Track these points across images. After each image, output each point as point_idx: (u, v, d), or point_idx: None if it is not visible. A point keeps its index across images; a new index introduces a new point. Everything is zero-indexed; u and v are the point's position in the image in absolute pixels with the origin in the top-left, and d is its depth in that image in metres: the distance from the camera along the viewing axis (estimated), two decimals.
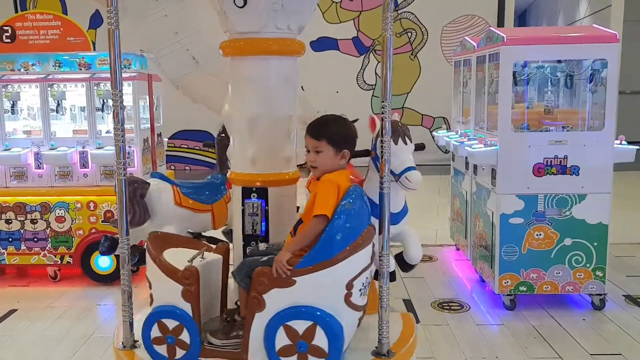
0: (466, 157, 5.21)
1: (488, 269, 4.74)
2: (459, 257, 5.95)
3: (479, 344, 4.14)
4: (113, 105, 2.78)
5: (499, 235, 4.50)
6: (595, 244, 4.47)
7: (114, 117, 2.78)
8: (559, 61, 4.74)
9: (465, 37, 5.75)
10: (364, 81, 12.20)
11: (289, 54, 3.08)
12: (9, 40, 5.57)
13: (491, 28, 4.81)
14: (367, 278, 2.69)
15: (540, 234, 4.48)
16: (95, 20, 11.65)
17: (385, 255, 2.65)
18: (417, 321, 4.39)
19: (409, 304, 4.75)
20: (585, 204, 4.42)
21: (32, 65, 5.45)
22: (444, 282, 5.32)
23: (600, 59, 4.41)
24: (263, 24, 2.95)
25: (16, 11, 11.60)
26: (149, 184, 3.47)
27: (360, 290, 2.63)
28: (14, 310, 4.80)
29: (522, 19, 18.56)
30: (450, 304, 4.79)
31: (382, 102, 2.65)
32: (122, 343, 2.94)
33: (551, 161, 4.41)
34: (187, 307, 2.69)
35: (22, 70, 5.44)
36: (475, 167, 5.06)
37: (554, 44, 4.43)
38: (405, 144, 2.92)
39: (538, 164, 4.42)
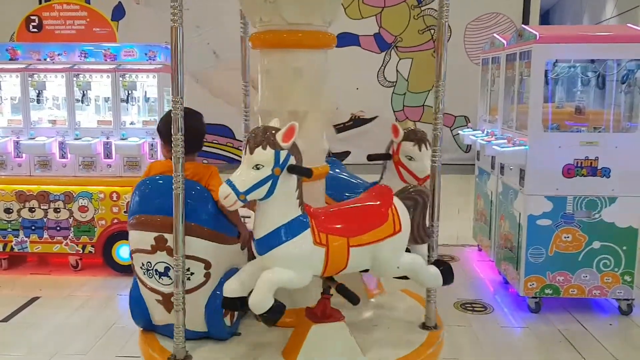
0: (492, 157, 5.14)
1: (513, 271, 4.67)
2: (481, 258, 5.87)
3: (503, 347, 4.08)
4: (173, 113, 2.58)
5: (525, 236, 4.43)
6: (624, 248, 4.38)
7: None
8: (592, 61, 4.65)
9: (495, 35, 5.66)
10: (385, 78, 12.10)
11: (328, 46, 3.06)
12: (35, 30, 5.59)
13: (523, 26, 4.72)
14: (149, 262, 2.75)
15: (568, 237, 4.40)
16: (118, 12, 11.66)
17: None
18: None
19: None
20: (616, 207, 4.34)
21: (58, 55, 5.46)
22: (466, 283, 5.25)
23: (635, 60, 4.31)
24: (313, 15, 2.91)
25: (40, 2, 11.66)
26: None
27: (141, 267, 2.78)
28: (36, 298, 4.82)
29: (545, 18, 18.34)
30: (473, 305, 4.72)
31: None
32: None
33: (581, 162, 4.33)
34: None
35: (48, 59, 5.45)
36: (501, 166, 4.99)
37: (588, 43, 4.34)
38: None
39: (568, 165, 4.34)
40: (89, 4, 11.41)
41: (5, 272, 5.42)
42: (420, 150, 3.17)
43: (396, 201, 2.78)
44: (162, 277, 2.74)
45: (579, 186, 4.34)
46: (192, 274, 2.74)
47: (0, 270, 5.44)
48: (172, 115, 2.62)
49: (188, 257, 2.71)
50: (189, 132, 2.69)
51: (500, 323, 4.42)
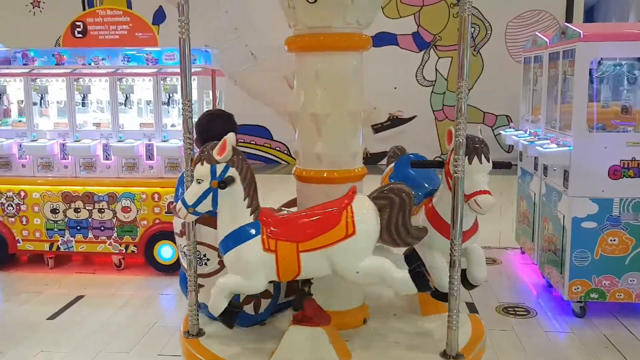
0: (535, 158, 5.03)
1: (557, 274, 4.56)
2: (524, 261, 5.76)
3: (547, 352, 3.99)
4: (183, 114, 2.79)
5: (570, 239, 4.32)
6: None
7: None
8: (638, 59, 4.50)
9: (537, 33, 5.54)
10: (424, 77, 12.01)
11: (356, 49, 3.04)
12: (80, 35, 5.73)
13: (566, 24, 4.61)
14: (180, 244, 3.11)
15: (614, 240, 4.28)
16: (159, 16, 11.90)
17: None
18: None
19: (472, 307, 4.62)
20: None
21: (102, 59, 5.59)
22: (508, 286, 5.16)
23: None
24: (333, 18, 2.92)
25: (84, 8, 11.96)
26: None
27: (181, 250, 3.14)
28: (81, 297, 4.94)
29: (589, 15, 17.88)
30: (515, 309, 4.64)
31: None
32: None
33: (628, 163, 4.20)
34: None
35: (92, 64, 5.58)
36: (545, 167, 4.88)
37: (634, 41, 4.21)
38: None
39: (614, 166, 4.21)
40: (131, 8, 11.75)
41: (52, 271, 5.57)
42: (470, 163, 2.71)
43: (357, 203, 2.69)
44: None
45: (625, 188, 4.21)
46: (207, 259, 3.03)
47: (47, 269, 5.60)
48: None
49: (202, 243, 2.96)
50: (214, 132, 2.92)
51: (543, 327, 4.33)
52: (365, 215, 2.67)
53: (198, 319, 3.01)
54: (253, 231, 2.69)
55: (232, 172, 2.65)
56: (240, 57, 12.07)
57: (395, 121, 12.07)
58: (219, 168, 2.62)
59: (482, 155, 2.73)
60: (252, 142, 12.41)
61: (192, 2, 3.02)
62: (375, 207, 2.69)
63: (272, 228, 2.69)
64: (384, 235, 2.68)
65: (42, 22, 12.10)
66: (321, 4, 2.90)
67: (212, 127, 3.21)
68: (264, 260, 2.67)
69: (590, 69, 4.30)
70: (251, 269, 2.69)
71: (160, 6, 11.94)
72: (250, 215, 2.70)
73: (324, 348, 2.75)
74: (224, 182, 2.63)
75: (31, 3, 12.49)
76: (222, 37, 11.66)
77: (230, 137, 2.64)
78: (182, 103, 2.86)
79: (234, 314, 2.79)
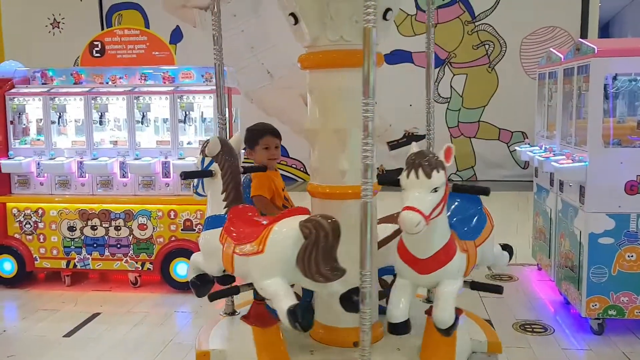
0: (551, 174, 5.00)
1: (574, 291, 4.51)
2: (541, 278, 5.70)
3: None
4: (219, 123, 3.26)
5: (587, 255, 4.28)
6: None
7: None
8: None
9: (551, 49, 5.54)
10: (439, 94, 12.00)
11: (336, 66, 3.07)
12: (98, 55, 5.83)
13: (580, 39, 4.61)
14: None
15: (632, 256, 4.23)
16: (176, 36, 12.07)
17: None
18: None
19: (488, 324, 4.56)
20: None
21: (120, 78, 5.68)
22: (525, 302, 5.11)
23: None
24: (315, 36, 2.96)
25: (102, 27, 12.18)
26: None
27: None
28: (97, 314, 4.97)
29: (604, 31, 17.84)
30: (533, 326, 4.58)
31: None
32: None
33: None
34: None
35: (110, 83, 5.67)
36: (561, 183, 4.85)
37: None
38: (408, 177, 2.54)
39: (631, 182, 4.18)
40: (149, 28, 11.95)
41: (69, 289, 5.62)
42: (407, 177, 2.53)
43: (282, 224, 2.70)
44: None
45: None
46: None
47: (64, 286, 5.65)
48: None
49: None
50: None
51: (561, 345, 4.27)
52: (280, 238, 2.67)
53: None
54: (219, 223, 3.02)
55: (214, 166, 3.06)
56: (257, 76, 12.18)
57: (410, 138, 12.01)
58: (206, 161, 3.09)
59: (414, 170, 2.53)
60: None
61: (208, 22, 3.22)
62: (298, 233, 2.61)
63: (229, 224, 2.96)
64: (298, 263, 2.63)
65: (61, 42, 12.32)
66: (338, 21, 2.94)
67: (259, 127, 4.01)
68: (218, 250, 2.94)
69: (605, 84, 4.29)
70: (208, 253, 3.05)
71: (178, 26, 12.12)
72: (224, 208, 3.04)
73: (248, 343, 2.94)
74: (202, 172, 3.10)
75: (51, 24, 12.73)
76: (239, 56, 11.79)
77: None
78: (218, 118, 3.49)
79: (201, 285, 3.13)
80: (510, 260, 3.29)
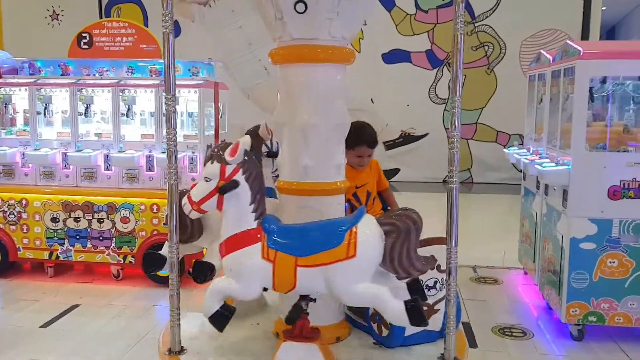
0: (537, 177, 4.95)
1: (555, 296, 4.46)
2: (526, 282, 5.65)
3: None
4: (166, 110, 2.82)
5: (568, 260, 4.22)
6: None
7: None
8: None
9: (542, 51, 5.49)
10: (437, 95, 11.95)
11: (340, 61, 3.03)
12: (86, 47, 5.80)
13: (568, 41, 4.55)
14: None
15: (613, 262, 4.17)
16: (175, 30, 12.00)
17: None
18: (475, 346, 4.19)
19: (467, 327, 4.52)
20: None
21: (107, 70, 5.65)
22: (507, 306, 5.06)
23: None
24: (319, 31, 2.91)
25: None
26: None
27: None
28: (76, 306, 4.95)
29: (610, 35, 17.70)
30: (512, 330, 4.53)
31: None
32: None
33: (629, 184, 4.11)
34: None
35: (97, 75, 5.64)
36: (546, 187, 4.80)
37: (635, 59, 4.13)
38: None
39: (614, 187, 4.12)
40: (147, 22, 11.93)
41: (52, 280, 5.60)
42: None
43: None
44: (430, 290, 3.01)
45: (625, 209, 4.11)
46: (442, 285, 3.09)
47: (46, 277, 5.63)
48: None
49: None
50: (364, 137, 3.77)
51: (539, 350, 4.22)
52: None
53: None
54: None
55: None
56: (254, 72, 12.14)
57: (407, 138, 12.00)
58: (229, 169, 2.65)
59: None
60: None
61: (208, 17, 3.18)
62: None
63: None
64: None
65: (60, 33, 12.31)
66: (309, 16, 2.90)
67: (361, 133, 3.76)
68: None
69: (590, 87, 4.24)
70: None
71: (176, 20, 12.04)
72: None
73: None
74: (224, 187, 2.65)
75: (50, 16, 12.73)
76: (236, 52, 11.76)
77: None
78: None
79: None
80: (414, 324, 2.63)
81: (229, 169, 2.65)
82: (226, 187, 2.65)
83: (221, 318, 2.74)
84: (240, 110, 8.07)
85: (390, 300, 2.55)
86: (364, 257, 2.58)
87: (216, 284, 2.76)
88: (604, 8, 11.63)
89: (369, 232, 2.60)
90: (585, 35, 11.27)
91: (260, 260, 2.65)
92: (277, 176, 3.96)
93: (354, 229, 2.60)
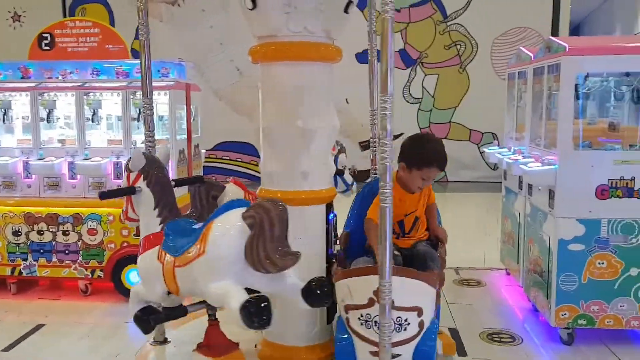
0: (520, 176, 4.83)
1: (543, 299, 4.34)
2: (509, 283, 5.53)
3: None
4: (144, 113, 2.75)
5: (556, 262, 4.10)
6: None
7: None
8: (626, 74, 4.33)
9: (521, 48, 5.38)
10: (410, 94, 11.86)
11: (313, 59, 2.85)
12: (47, 48, 5.50)
13: (551, 37, 4.43)
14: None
15: (602, 263, 4.06)
16: None
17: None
18: (465, 354, 4.03)
19: (455, 334, 4.36)
20: None
21: (70, 73, 5.35)
22: (493, 310, 4.92)
23: None
24: (275, 26, 2.75)
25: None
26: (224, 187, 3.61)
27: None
28: (41, 325, 4.65)
29: (575, 33, 17.89)
30: (500, 336, 4.39)
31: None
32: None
33: (616, 183, 4.00)
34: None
35: (59, 78, 5.34)
36: (529, 187, 4.68)
37: (622, 54, 4.03)
38: None
39: (601, 186, 4.01)
40: (113, 22, 11.58)
41: (14, 297, 5.27)
42: None
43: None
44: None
45: (614, 208, 4.00)
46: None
47: (9, 294, 5.30)
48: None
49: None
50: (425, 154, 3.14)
51: (529, 356, 4.09)
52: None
53: None
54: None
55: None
56: (227, 73, 11.89)
57: None
58: (132, 176, 2.91)
59: None
60: (238, 159, 12.17)
61: (177, 16, 3.22)
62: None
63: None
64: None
65: (22, 36, 11.86)
66: (261, 12, 2.74)
67: (434, 150, 3.19)
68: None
69: (576, 84, 4.12)
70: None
71: None
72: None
73: None
74: (100, 194, 2.95)
75: (12, 17, 12.29)
76: (208, 53, 11.50)
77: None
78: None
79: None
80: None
81: (132, 176, 2.90)
82: (102, 194, 2.96)
83: (140, 321, 2.81)
84: (212, 113, 7.85)
85: (233, 302, 2.42)
86: (214, 254, 2.50)
87: (133, 287, 2.94)
88: (570, 6, 11.69)
89: (223, 229, 2.52)
90: (554, 33, 11.30)
91: (156, 262, 2.73)
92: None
93: (210, 225, 2.55)
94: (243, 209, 2.52)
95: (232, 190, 3.66)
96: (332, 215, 3.14)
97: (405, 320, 2.71)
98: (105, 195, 2.88)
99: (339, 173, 4.56)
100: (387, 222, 2.34)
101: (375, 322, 2.66)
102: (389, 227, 2.36)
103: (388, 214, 2.33)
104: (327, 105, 2.87)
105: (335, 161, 4.48)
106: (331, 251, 3.11)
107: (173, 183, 3.20)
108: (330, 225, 3.09)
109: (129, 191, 2.86)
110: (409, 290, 2.68)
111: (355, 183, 4.79)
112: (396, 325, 2.68)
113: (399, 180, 3.18)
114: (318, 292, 2.54)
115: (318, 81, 2.69)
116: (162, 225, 2.81)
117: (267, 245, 2.43)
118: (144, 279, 2.81)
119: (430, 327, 2.79)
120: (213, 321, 2.95)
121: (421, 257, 3.11)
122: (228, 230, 2.49)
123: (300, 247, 2.57)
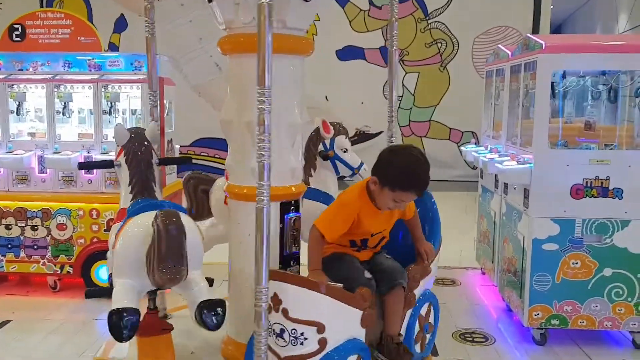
0: (496, 175, 4.81)
1: (516, 299, 4.32)
2: (484, 282, 5.52)
3: None
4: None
5: (530, 262, 4.08)
6: (638, 275, 4.02)
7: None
8: (603, 72, 4.32)
9: (499, 45, 5.36)
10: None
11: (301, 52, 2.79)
12: (18, 39, 5.35)
13: (528, 35, 4.41)
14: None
15: (576, 263, 4.05)
16: (120, 24, 11.52)
17: None
18: (436, 354, 4.00)
19: None
20: (628, 231, 3.98)
21: (42, 65, 5.22)
22: (467, 309, 4.90)
23: None
24: (228, 18, 2.71)
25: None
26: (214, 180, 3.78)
27: None
28: (7, 322, 4.53)
29: (556, 33, 18.04)
30: (473, 335, 4.37)
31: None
32: None
33: (591, 182, 3.99)
34: (362, 335, 2.61)
35: (30, 70, 5.21)
36: (505, 185, 4.66)
37: (598, 53, 4.01)
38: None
39: (576, 185, 4.00)
40: (91, 15, 11.39)
41: None
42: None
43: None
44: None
45: (588, 208, 3.99)
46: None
47: None
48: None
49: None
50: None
51: (501, 356, 4.07)
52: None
53: None
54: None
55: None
56: (205, 68, 11.74)
57: (362, 136, 11.83)
58: (116, 151, 3.08)
59: None
60: (216, 155, 12.03)
61: (156, 10, 3.33)
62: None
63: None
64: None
65: None
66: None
67: (416, 175, 2.79)
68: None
69: (552, 83, 4.10)
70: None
71: (122, 14, 11.57)
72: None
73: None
74: (79, 165, 3.50)
75: None
76: (187, 48, 11.33)
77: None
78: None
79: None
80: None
81: (116, 150, 3.09)
82: (81, 164, 3.57)
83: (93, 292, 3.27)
84: (191, 109, 7.72)
85: (112, 304, 2.56)
86: (120, 251, 2.60)
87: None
88: (551, 6, 11.73)
89: (133, 229, 2.58)
90: (535, 33, 11.33)
91: (113, 237, 2.86)
92: (341, 178, 4.31)
93: (128, 221, 2.66)
94: (155, 213, 2.53)
95: (221, 184, 3.60)
96: (292, 215, 2.94)
97: (302, 334, 2.54)
98: (83, 166, 3.16)
99: (334, 157, 4.26)
100: (263, 224, 2.34)
101: (274, 330, 2.58)
102: (265, 228, 2.33)
103: (265, 214, 2.34)
104: (288, 100, 2.78)
105: (332, 144, 4.19)
106: (287, 252, 2.91)
107: (157, 161, 3.19)
108: (286, 225, 2.88)
109: (107, 164, 3.07)
110: (308, 303, 2.53)
111: (363, 164, 4.40)
112: (291, 338, 2.55)
113: (369, 193, 2.86)
114: (204, 313, 2.52)
115: (274, 74, 2.61)
116: (132, 201, 2.90)
117: (155, 255, 2.45)
118: (111, 248, 2.92)
119: (341, 348, 2.56)
120: (152, 311, 2.94)
121: (388, 273, 2.87)
122: (135, 232, 2.56)
123: (249, 244, 2.49)
